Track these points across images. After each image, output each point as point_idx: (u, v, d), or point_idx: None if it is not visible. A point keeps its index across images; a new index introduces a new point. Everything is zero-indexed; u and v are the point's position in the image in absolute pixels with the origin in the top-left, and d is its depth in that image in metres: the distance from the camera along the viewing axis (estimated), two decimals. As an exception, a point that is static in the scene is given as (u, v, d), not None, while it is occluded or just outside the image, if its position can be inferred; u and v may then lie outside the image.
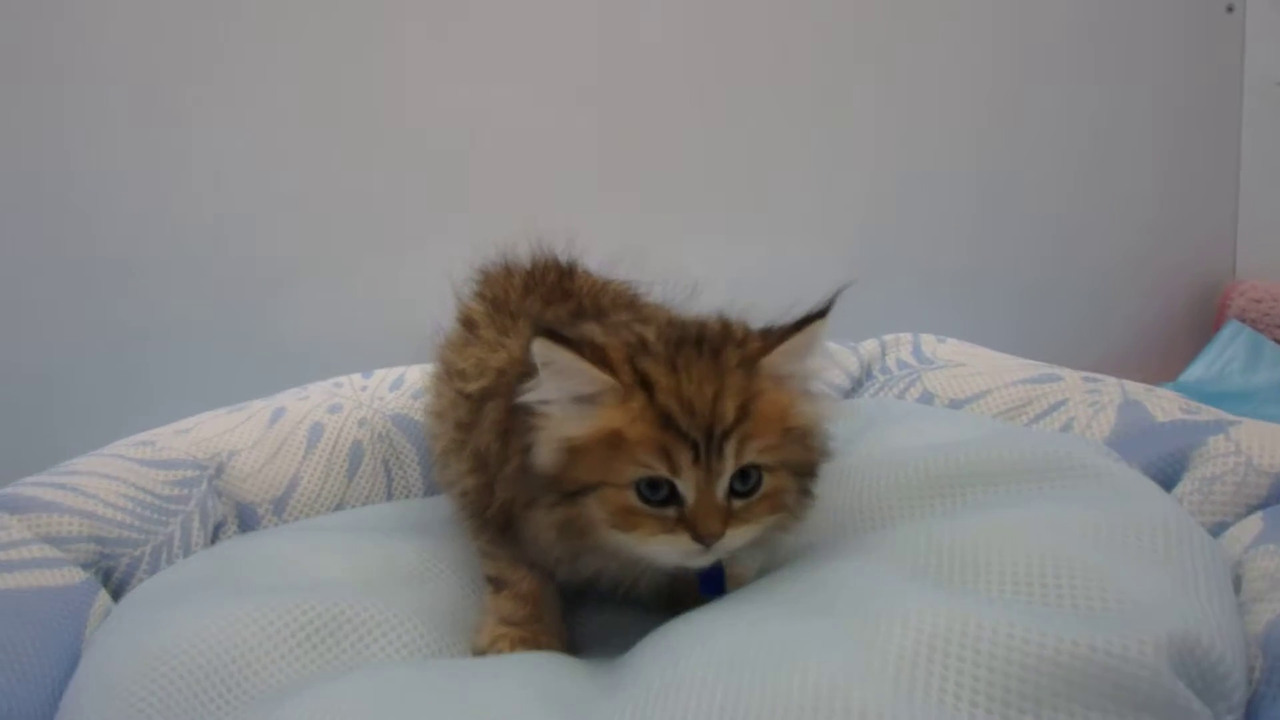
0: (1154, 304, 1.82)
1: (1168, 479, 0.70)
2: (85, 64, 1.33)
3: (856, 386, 1.09)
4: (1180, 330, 1.82)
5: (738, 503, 0.59)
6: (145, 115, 1.37)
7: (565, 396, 0.59)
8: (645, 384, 0.58)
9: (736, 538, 0.59)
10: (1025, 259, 1.75)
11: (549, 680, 0.58)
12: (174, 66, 1.37)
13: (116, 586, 0.81)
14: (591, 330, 0.63)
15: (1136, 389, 0.82)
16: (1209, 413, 0.75)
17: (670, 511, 0.58)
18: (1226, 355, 1.55)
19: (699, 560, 0.60)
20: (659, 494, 0.58)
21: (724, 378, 0.59)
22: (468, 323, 0.80)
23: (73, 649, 0.67)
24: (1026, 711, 0.46)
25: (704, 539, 0.58)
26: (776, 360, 0.61)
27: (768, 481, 0.60)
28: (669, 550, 0.59)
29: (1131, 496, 0.61)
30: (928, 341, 1.08)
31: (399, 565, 0.78)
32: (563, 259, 0.83)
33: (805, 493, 0.64)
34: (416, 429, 1.05)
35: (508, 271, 0.83)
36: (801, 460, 0.62)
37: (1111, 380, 0.85)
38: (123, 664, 0.59)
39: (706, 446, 0.57)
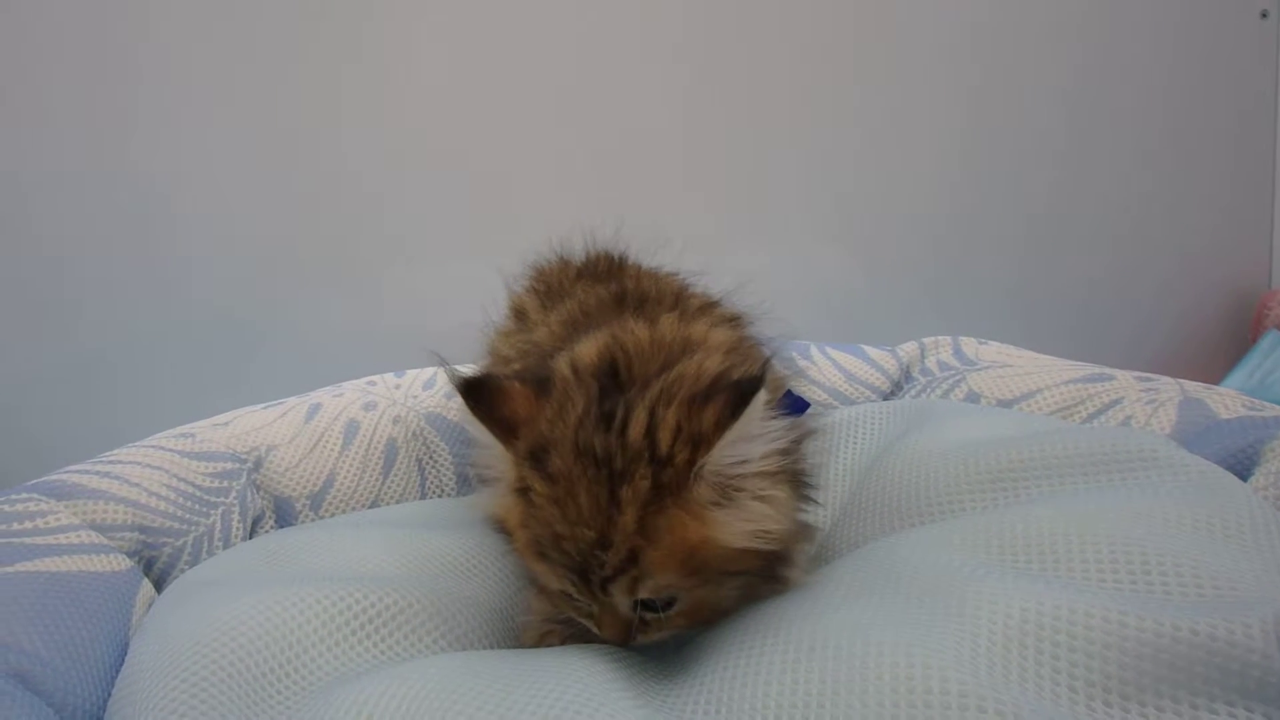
0: (1189, 314, 1.81)
1: (1238, 475, 0.68)
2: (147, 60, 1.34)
3: (895, 389, 1.08)
4: (1216, 341, 1.81)
5: (651, 615, 0.54)
6: (184, 119, 1.38)
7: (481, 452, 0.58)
8: (526, 491, 0.54)
9: (651, 639, 0.56)
10: (1055, 272, 1.74)
11: (613, 666, 0.56)
12: (209, 72, 1.38)
13: (158, 577, 0.80)
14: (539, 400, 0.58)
15: (1195, 387, 0.81)
16: (1275, 409, 0.73)
17: (582, 603, 0.56)
18: (1267, 365, 1.52)
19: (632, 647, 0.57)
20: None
21: (614, 519, 0.51)
22: (519, 313, 0.80)
23: (121, 635, 0.66)
24: (1130, 699, 0.44)
25: (608, 641, 0.55)
26: (714, 460, 0.52)
27: (686, 599, 0.54)
28: (593, 630, 0.56)
29: (1210, 486, 0.59)
30: (968, 344, 1.06)
31: (445, 559, 0.77)
32: (614, 251, 0.83)
33: (771, 579, 0.58)
34: (450, 428, 1.04)
35: (563, 264, 0.82)
36: (751, 566, 0.55)
37: (1167, 379, 0.84)
38: (179, 646, 0.58)
39: (586, 583, 0.52)
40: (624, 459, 0.52)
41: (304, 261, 1.47)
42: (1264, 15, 1.63)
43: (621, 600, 0.53)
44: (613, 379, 0.57)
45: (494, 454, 0.57)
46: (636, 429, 0.52)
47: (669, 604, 0.54)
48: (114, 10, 1.32)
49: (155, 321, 1.42)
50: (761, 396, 0.51)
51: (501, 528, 0.59)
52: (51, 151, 1.34)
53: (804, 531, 0.61)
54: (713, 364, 0.58)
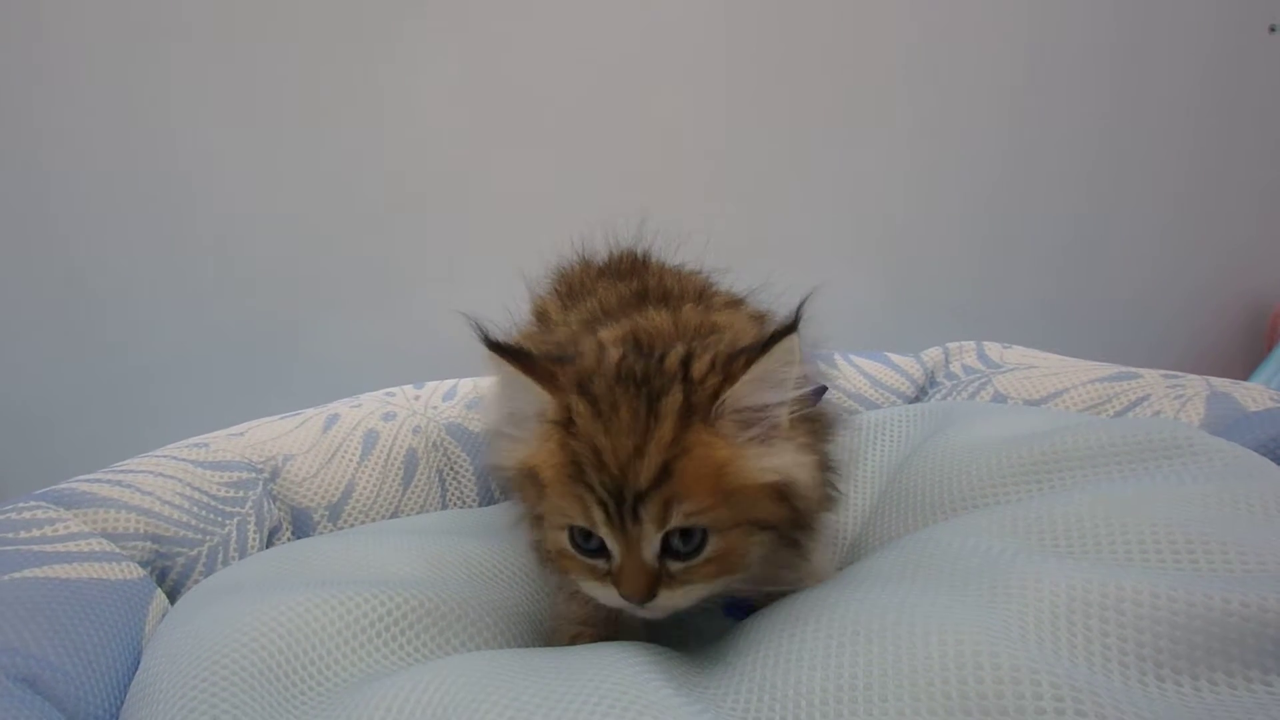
0: (1204, 327, 1.80)
1: (1271, 464, 0.67)
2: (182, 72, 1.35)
3: (920, 394, 1.07)
4: (1231, 352, 1.80)
5: (676, 565, 0.53)
6: (208, 125, 1.39)
7: (507, 415, 0.57)
8: (566, 423, 0.54)
9: (675, 599, 0.54)
10: (1072, 286, 1.74)
11: (650, 659, 0.55)
12: (235, 76, 1.38)
13: (171, 588, 0.78)
14: (580, 344, 0.59)
15: (1222, 382, 0.80)
16: (1306, 400, 0.72)
17: (602, 563, 0.55)
18: (1283, 375, 1.51)
19: (645, 614, 0.55)
20: (590, 543, 0.55)
21: (651, 429, 0.52)
22: (540, 315, 0.79)
23: (133, 643, 0.64)
24: (1182, 672, 0.43)
25: (629, 599, 0.54)
26: (740, 394, 0.53)
27: (715, 543, 0.53)
28: (608, 598, 0.55)
29: (1244, 469, 0.59)
30: (992, 348, 1.06)
31: (470, 564, 0.76)
32: (637, 249, 0.82)
33: (791, 545, 0.57)
34: (471, 439, 1.03)
35: (585, 264, 0.82)
36: (775, 517, 0.54)
37: (1193, 376, 0.83)
38: (197, 648, 0.57)
39: (619, 507, 0.52)
40: (662, 380, 0.54)
41: (322, 274, 1.47)
42: (1272, 30, 1.64)
43: (650, 530, 0.52)
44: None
45: (529, 396, 0.56)
46: (673, 359, 0.55)
47: (696, 550, 0.53)
48: (145, 14, 1.33)
49: (172, 332, 1.42)
50: (794, 339, 0.52)
51: (527, 482, 0.57)
52: (76, 155, 1.34)
53: (827, 499, 0.60)
54: (744, 338, 0.59)
